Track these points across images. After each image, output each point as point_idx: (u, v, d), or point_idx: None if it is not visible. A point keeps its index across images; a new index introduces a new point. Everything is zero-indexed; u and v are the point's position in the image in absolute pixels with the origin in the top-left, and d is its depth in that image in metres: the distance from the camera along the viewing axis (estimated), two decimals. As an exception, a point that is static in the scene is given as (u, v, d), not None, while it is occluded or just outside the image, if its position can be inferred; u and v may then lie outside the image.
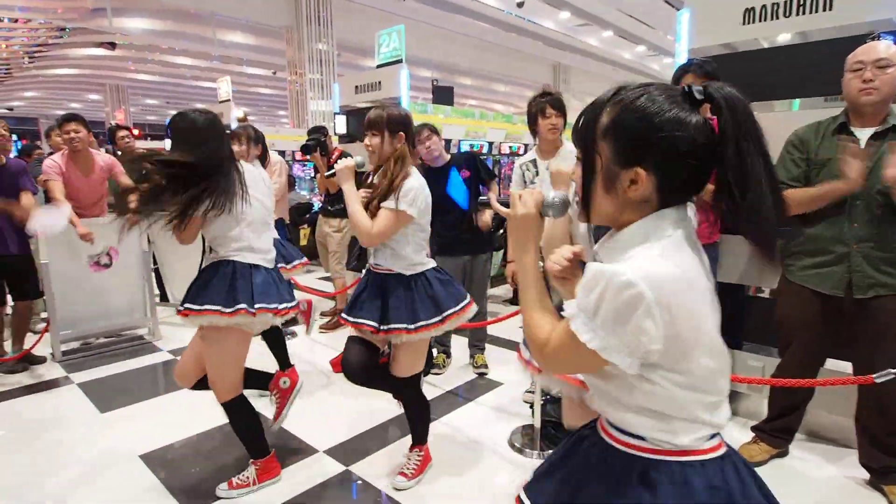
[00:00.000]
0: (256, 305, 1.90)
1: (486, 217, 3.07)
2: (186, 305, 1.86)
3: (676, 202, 0.78)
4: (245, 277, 1.92)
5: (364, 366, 1.95)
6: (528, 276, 0.88)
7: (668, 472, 0.79)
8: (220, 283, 1.89)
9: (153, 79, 18.40)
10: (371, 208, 1.89)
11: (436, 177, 3.05)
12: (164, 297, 4.71)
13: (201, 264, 1.86)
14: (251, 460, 2.06)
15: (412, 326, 1.88)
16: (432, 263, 2.01)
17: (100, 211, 3.74)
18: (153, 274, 4.04)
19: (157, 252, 4.55)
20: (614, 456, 0.84)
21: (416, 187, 1.86)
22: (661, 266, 0.71)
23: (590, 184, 0.80)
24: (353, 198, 1.88)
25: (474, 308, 2.02)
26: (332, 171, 1.92)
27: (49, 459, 2.28)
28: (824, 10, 2.18)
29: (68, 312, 3.49)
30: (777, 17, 2.28)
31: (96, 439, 2.44)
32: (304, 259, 3.23)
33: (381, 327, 1.90)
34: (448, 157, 3.20)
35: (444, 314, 1.93)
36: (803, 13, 2.23)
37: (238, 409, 2.01)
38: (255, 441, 2.07)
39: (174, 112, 1.92)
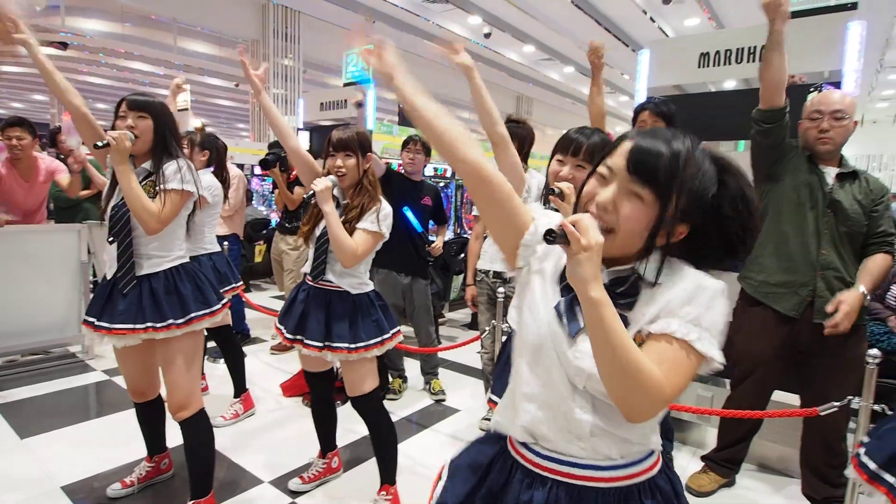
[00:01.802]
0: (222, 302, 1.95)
1: (438, 244, 3.17)
2: (192, 316, 1.81)
3: None
4: (199, 276, 1.92)
5: (330, 402, 2.14)
6: (616, 320, 0.71)
7: (652, 489, 0.84)
8: (201, 284, 1.89)
9: (106, 83, 17.60)
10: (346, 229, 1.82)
11: (406, 187, 3.09)
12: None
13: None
14: (191, 501, 1.82)
15: (353, 346, 1.86)
16: (372, 285, 2.00)
17: (40, 219, 3.49)
18: (92, 287, 3.78)
19: (98, 265, 4.27)
20: (608, 497, 0.82)
21: (390, 211, 1.90)
22: None
23: (642, 224, 0.77)
24: (336, 220, 1.77)
25: (400, 337, 2.01)
26: (312, 193, 1.78)
27: (-47, 492, 2.04)
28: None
29: (-10, 326, 3.20)
30: (729, 63, 2.43)
31: (13, 468, 2.21)
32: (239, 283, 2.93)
33: (325, 344, 1.88)
34: (423, 178, 3.24)
35: (383, 336, 1.92)
36: (752, 61, 2.39)
37: (204, 425, 1.86)
38: (209, 473, 1.88)
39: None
